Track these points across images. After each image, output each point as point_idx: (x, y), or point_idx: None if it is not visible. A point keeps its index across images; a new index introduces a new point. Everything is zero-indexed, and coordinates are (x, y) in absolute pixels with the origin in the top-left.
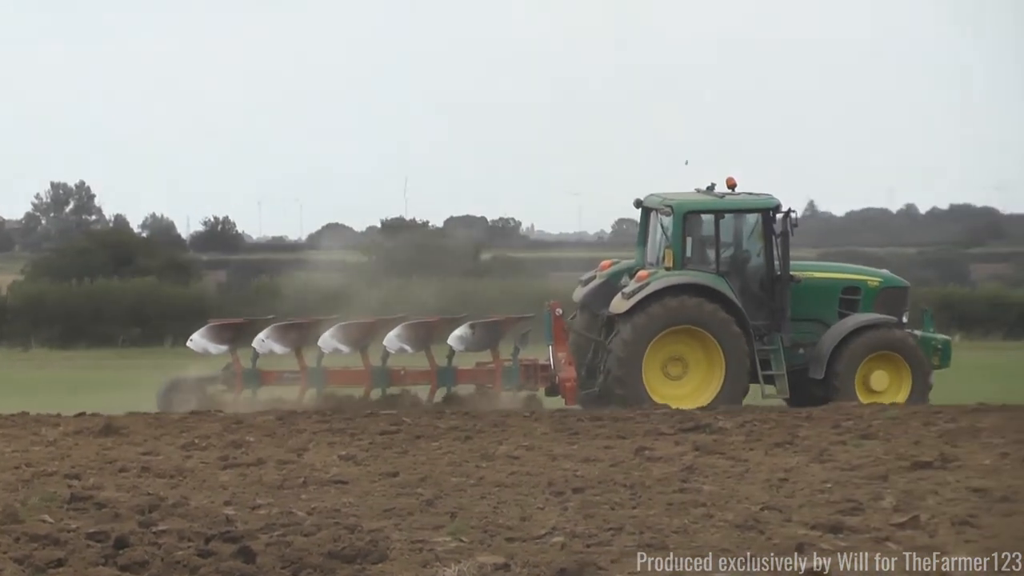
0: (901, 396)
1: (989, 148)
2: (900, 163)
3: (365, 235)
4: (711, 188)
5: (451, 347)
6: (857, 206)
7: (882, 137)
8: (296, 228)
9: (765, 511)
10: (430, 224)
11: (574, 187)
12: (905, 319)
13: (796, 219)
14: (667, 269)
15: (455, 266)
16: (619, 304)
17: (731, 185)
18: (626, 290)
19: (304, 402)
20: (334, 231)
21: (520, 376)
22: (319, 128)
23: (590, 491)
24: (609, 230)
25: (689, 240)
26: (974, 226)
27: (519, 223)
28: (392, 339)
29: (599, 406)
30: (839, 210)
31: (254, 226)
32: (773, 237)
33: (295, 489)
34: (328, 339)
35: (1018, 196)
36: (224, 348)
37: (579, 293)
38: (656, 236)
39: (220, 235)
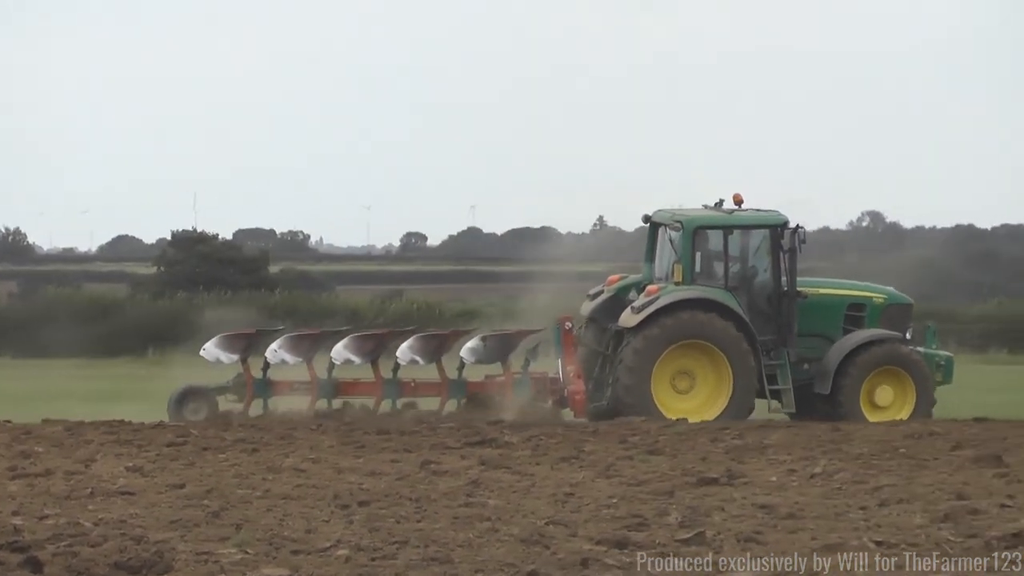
0: (905, 411)
1: (783, 164)
2: (685, 178)
3: (155, 247)
4: (719, 204)
5: (462, 359)
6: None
7: (663, 154)
8: (87, 239)
9: (550, 526)
10: (220, 237)
11: (364, 200)
12: (909, 335)
13: (804, 235)
14: (676, 284)
15: (244, 279)
16: (629, 318)
17: (738, 201)
18: (636, 304)
19: (314, 412)
20: (124, 243)
21: (531, 388)
22: (110, 140)
23: (375, 504)
24: (398, 243)
25: (698, 255)
26: None
27: (308, 236)
28: (404, 351)
29: (608, 419)
30: (629, 226)
31: (45, 237)
32: (781, 253)
33: (82, 500)
34: (340, 350)
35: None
36: (236, 357)
37: (587, 307)
38: (664, 251)
39: (11, 246)
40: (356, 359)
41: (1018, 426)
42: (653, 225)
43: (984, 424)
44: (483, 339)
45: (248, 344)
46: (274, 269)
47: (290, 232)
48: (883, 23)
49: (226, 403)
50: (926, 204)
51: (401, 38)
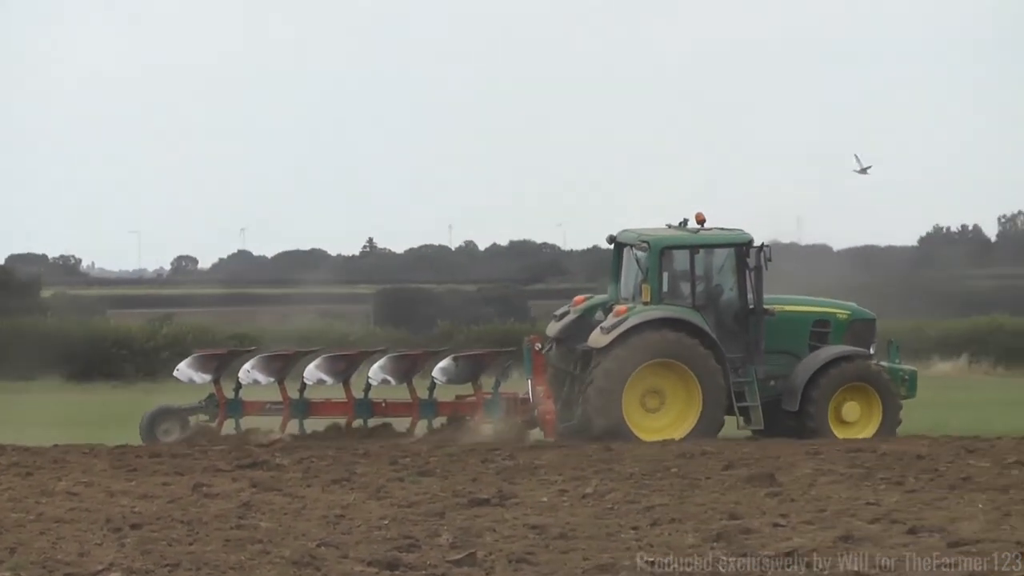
0: (872, 427)
1: (555, 185)
2: (460, 201)
3: None
4: (684, 224)
5: (434, 379)
6: (416, 243)
7: (440, 177)
8: None
9: (322, 548)
10: None
11: (133, 226)
12: (873, 350)
13: (770, 253)
14: (645, 304)
15: (15, 303)
16: (599, 338)
17: (700, 220)
18: (605, 324)
19: (286, 433)
20: None
21: (501, 409)
22: None
23: (148, 527)
24: (168, 267)
25: (665, 275)
26: (535, 262)
27: (79, 260)
28: (376, 371)
29: (577, 439)
30: (399, 247)
31: None
32: (747, 271)
33: None
34: (313, 370)
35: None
36: (208, 378)
37: (553, 328)
38: (630, 271)
39: None
40: (328, 379)
41: (791, 444)
42: (618, 245)
43: (757, 443)
44: (455, 359)
45: (220, 364)
46: (46, 293)
47: (62, 256)
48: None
49: (198, 423)
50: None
51: (172, 60)
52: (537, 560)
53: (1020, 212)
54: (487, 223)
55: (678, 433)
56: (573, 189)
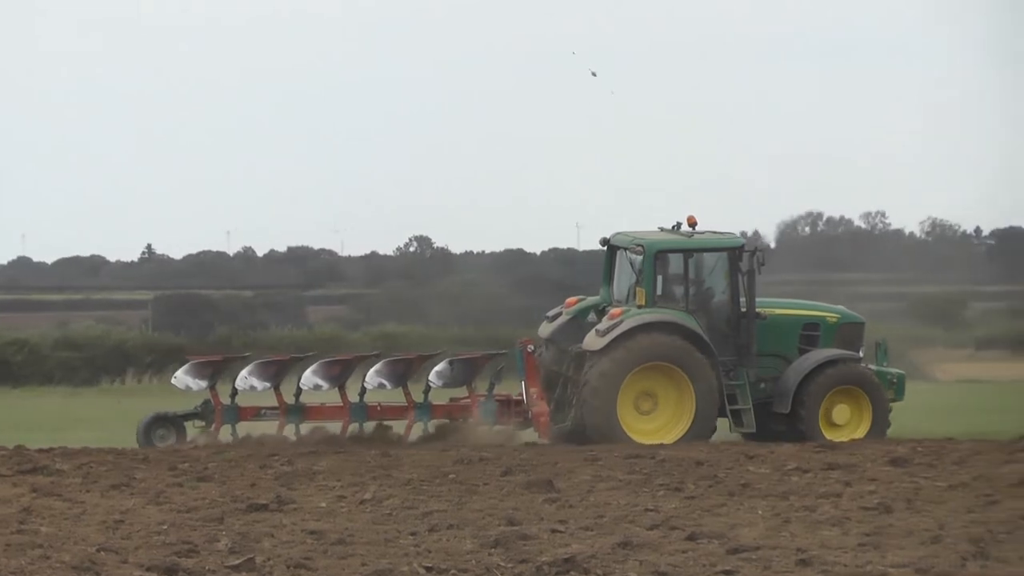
0: (862, 429)
1: (332, 192)
2: (238, 207)
3: None
4: (677, 227)
5: (430, 383)
6: (195, 249)
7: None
8: None
9: (101, 552)
10: None
11: None
12: (861, 353)
13: (763, 257)
14: (639, 307)
15: None
16: (594, 341)
17: (692, 224)
18: (600, 327)
19: (282, 437)
20: None
21: (495, 411)
22: None
23: None
24: None
25: (659, 278)
26: (312, 268)
27: None
28: (372, 375)
29: (571, 440)
30: (177, 253)
31: None
32: (739, 275)
33: None
34: (310, 375)
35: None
36: (204, 384)
37: (545, 329)
38: (623, 274)
39: None
40: (324, 384)
41: (569, 452)
42: (611, 248)
43: (536, 449)
44: (450, 363)
45: (215, 371)
46: None
47: None
48: None
49: (194, 429)
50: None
51: None
52: (315, 566)
53: (799, 217)
54: (265, 229)
55: (671, 436)
56: (352, 196)
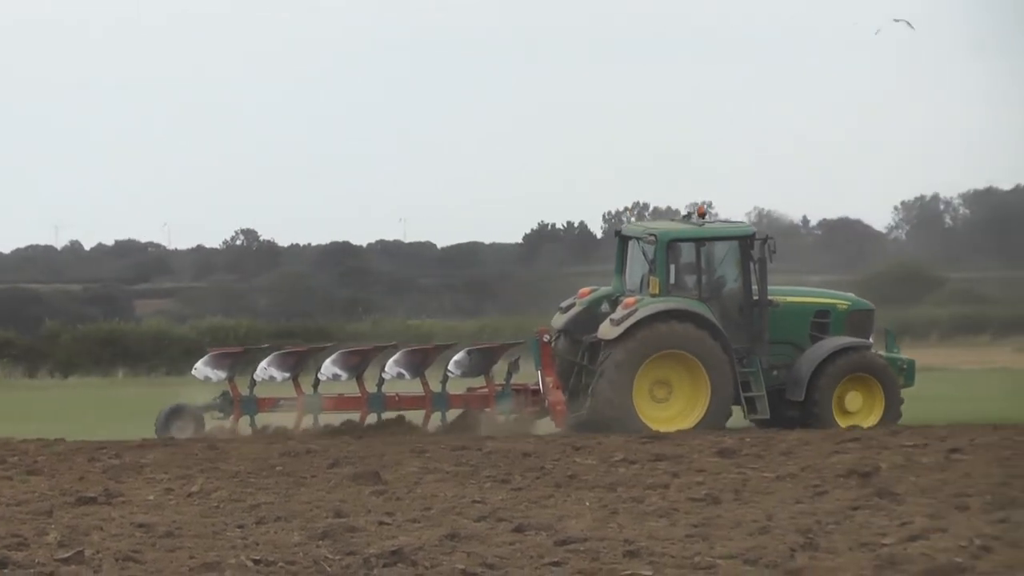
0: (874, 416)
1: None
2: (66, 200)
3: None
4: (688, 216)
5: (448, 373)
6: (22, 243)
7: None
8: None
9: None
10: None
11: None
12: (871, 340)
13: (774, 245)
14: (652, 296)
15: None
16: (608, 330)
17: (701, 213)
18: (614, 316)
19: (301, 428)
20: None
21: (513, 400)
22: None
23: None
24: None
25: (672, 267)
26: (139, 261)
27: None
28: (391, 366)
29: (587, 428)
30: (4, 247)
31: None
32: (751, 263)
33: None
34: (329, 366)
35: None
36: (224, 375)
37: (559, 319)
38: (635, 263)
39: None
40: (343, 374)
41: (395, 444)
42: (623, 238)
43: (363, 441)
44: (469, 352)
45: (234, 362)
46: None
47: None
48: None
49: (212, 420)
50: (302, 221)
51: None
52: (144, 559)
53: (626, 208)
54: (93, 222)
55: (687, 423)
56: (178, 189)
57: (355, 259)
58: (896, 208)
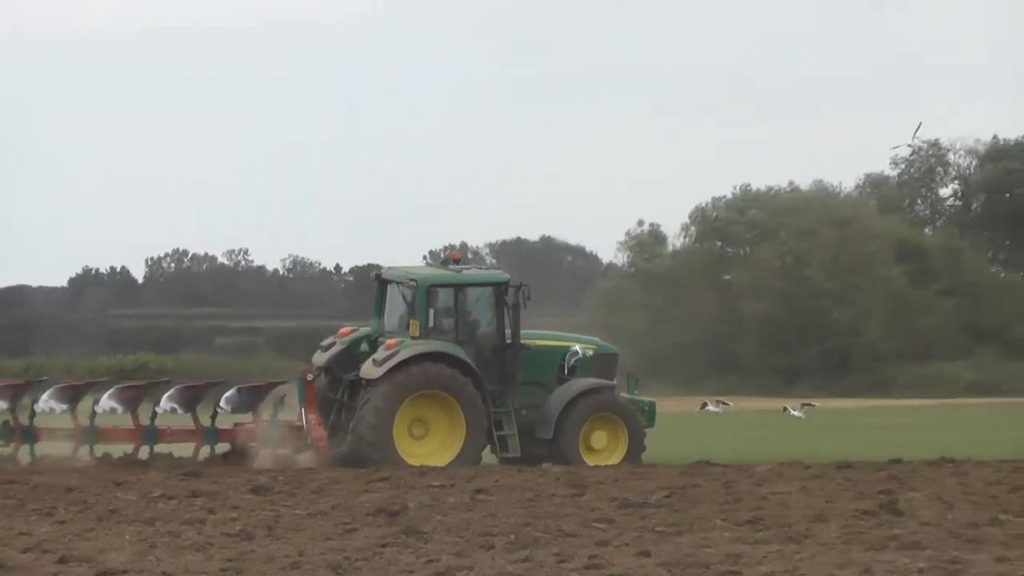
0: (618, 454)
1: None
2: None
3: None
4: (445, 262)
5: (218, 408)
6: None
7: None
8: None
9: None
10: None
11: None
12: (615, 382)
13: (528, 292)
14: (413, 338)
15: None
16: (371, 370)
17: (455, 259)
18: (376, 357)
19: (77, 458)
20: None
21: (278, 436)
22: None
23: None
24: None
25: (431, 311)
26: None
27: None
28: (165, 400)
29: (349, 463)
30: None
31: None
32: (505, 308)
33: None
34: (105, 400)
35: None
36: (5, 406)
37: (320, 357)
38: (394, 306)
39: None
40: (119, 408)
41: None
42: (382, 281)
43: None
44: (238, 390)
45: (16, 393)
46: None
47: None
48: None
49: None
50: None
51: None
52: None
53: (165, 255)
54: None
55: (443, 459)
56: None
57: None
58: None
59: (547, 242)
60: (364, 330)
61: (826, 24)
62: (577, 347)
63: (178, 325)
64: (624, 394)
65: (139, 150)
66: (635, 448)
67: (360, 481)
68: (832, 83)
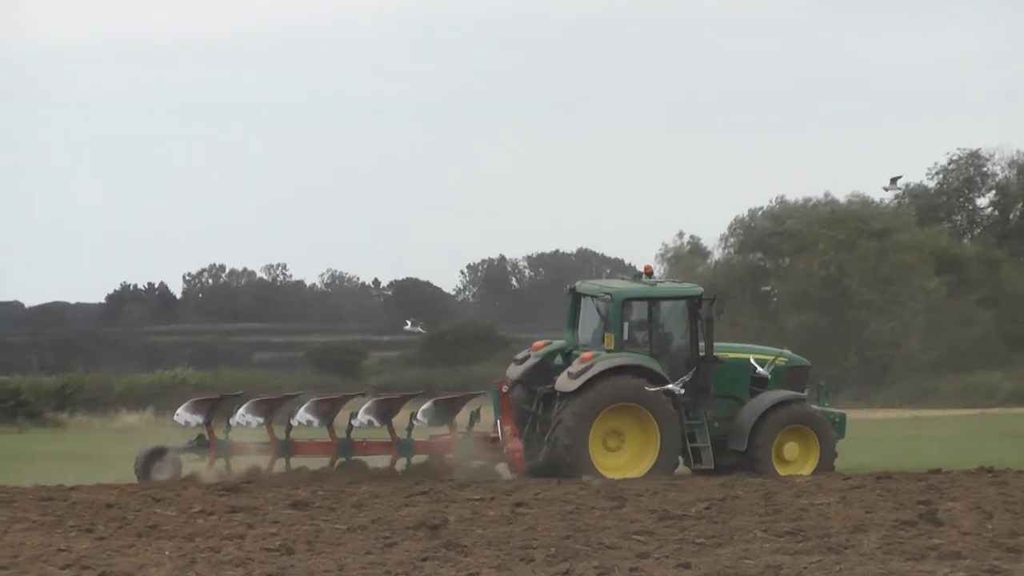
0: (809, 466)
1: None
2: None
3: None
4: (639, 276)
5: (414, 420)
6: None
7: None
8: None
9: None
10: None
11: None
12: (806, 394)
13: (722, 306)
14: (607, 351)
15: None
16: (567, 383)
17: (648, 273)
18: (572, 370)
19: (273, 472)
20: None
21: (473, 447)
22: None
23: None
24: None
25: (625, 324)
26: None
27: None
28: (361, 413)
29: (543, 475)
30: None
31: None
32: (699, 321)
33: None
34: (302, 413)
35: None
36: (201, 420)
37: (514, 371)
38: (588, 319)
39: None
40: (315, 421)
41: None
42: (576, 295)
43: None
44: (435, 402)
45: (211, 408)
46: None
47: None
48: None
49: (189, 462)
50: None
51: None
52: None
53: (203, 270)
54: None
55: (637, 471)
56: None
57: None
58: (463, 272)
59: (584, 254)
60: (558, 343)
61: (864, 35)
62: (769, 359)
63: (216, 340)
64: (815, 406)
65: (177, 167)
66: (826, 459)
67: (400, 495)
68: (871, 96)
